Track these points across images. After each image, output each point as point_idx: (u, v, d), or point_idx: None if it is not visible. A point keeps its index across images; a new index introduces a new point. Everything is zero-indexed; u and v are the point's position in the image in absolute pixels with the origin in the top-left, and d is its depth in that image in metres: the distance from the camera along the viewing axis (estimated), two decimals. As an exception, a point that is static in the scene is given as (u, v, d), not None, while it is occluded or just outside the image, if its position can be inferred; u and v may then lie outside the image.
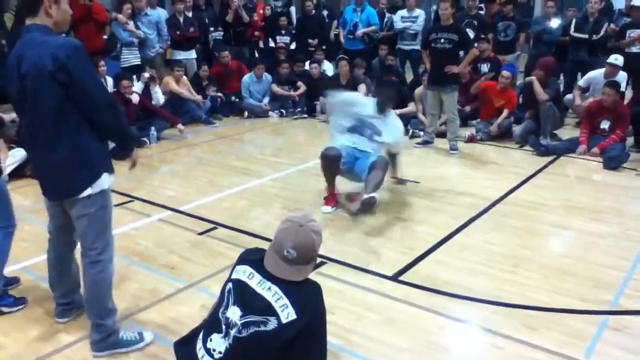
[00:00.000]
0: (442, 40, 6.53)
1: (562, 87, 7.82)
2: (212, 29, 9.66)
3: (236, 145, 7.25)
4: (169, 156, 6.69)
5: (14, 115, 5.17)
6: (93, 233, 2.75)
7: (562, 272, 3.77)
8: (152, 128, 7.10)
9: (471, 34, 8.35)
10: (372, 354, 2.88)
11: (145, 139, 6.98)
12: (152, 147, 6.98)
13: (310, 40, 10.06)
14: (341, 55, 8.93)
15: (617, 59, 7.11)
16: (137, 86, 7.39)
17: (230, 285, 2.35)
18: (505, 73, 7.41)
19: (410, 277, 3.69)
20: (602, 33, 8.03)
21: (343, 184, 5.01)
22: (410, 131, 7.43)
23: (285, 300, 2.22)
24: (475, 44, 7.49)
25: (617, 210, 4.92)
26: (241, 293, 2.28)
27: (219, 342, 2.28)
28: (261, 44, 10.30)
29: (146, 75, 7.60)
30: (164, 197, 5.19)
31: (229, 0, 9.54)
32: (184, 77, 8.25)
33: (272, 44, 10.14)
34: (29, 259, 3.79)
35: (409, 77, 9.32)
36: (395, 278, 3.68)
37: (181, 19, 8.79)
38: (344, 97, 5.32)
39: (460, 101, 7.22)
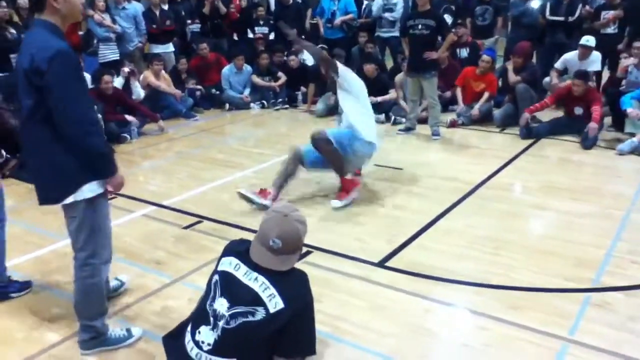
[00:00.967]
0: (419, 27, 6.54)
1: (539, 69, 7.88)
2: (189, 21, 9.57)
3: (218, 138, 7.22)
4: (151, 151, 6.64)
5: None
6: (82, 236, 2.70)
7: (545, 253, 3.82)
8: (132, 123, 7.04)
9: (449, 19, 8.40)
10: (360, 340, 2.91)
11: (126, 134, 6.92)
12: (134, 143, 6.92)
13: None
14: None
15: (588, 40, 7.19)
16: (117, 81, 7.31)
17: (216, 277, 2.35)
18: (485, 57, 7.47)
19: (395, 263, 3.72)
20: (577, 14, 8.10)
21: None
22: (392, 118, 7.46)
23: (273, 290, 2.23)
24: (453, 29, 7.51)
25: (597, 189, 5.00)
26: (228, 285, 2.29)
27: (207, 334, 2.28)
28: (235, 37, 10.20)
29: (126, 69, 7.52)
30: (147, 192, 5.16)
31: (205, -8, 9.46)
32: (163, 72, 8.17)
33: (250, 35, 10.07)
34: (11, 259, 3.73)
35: (389, 64, 9.33)
36: (381, 264, 3.70)
37: (157, 12, 8.71)
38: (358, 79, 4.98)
39: (440, 87, 7.26)
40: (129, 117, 7.04)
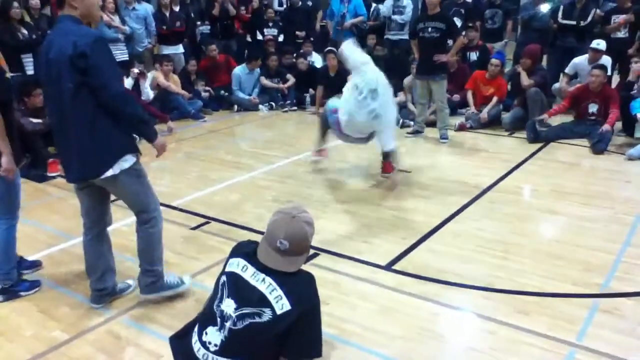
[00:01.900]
0: (429, 30, 6.53)
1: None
2: (199, 22, 9.61)
3: (226, 139, 7.23)
4: (160, 152, 6.64)
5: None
6: (137, 200, 3.09)
7: (553, 257, 3.80)
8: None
9: (459, 22, 8.37)
10: (367, 343, 2.90)
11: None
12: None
13: (297, 33, 10.02)
14: (329, 48, 8.92)
15: (599, 43, 7.16)
16: (127, 82, 7.35)
17: (224, 278, 2.36)
18: (494, 61, 7.45)
19: (403, 266, 3.71)
20: (589, 19, 8.06)
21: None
22: (401, 121, 7.44)
23: (280, 292, 2.23)
24: (463, 32, 7.50)
25: (606, 194, 4.97)
26: (235, 285, 2.29)
27: (214, 335, 2.29)
28: (248, 38, 10.25)
29: (136, 70, 7.56)
30: (155, 192, 5.15)
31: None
32: (172, 73, 8.20)
33: (259, 37, 10.10)
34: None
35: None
36: (388, 267, 3.70)
37: (167, 14, 8.74)
38: None
39: (449, 90, 7.24)
40: None
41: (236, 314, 2.24)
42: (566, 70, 7.61)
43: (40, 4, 7.62)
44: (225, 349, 2.26)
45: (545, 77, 7.33)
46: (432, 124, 7.06)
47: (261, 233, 2.35)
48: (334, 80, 7.72)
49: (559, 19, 8.23)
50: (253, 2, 10.18)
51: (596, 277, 3.53)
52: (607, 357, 2.77)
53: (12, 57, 6.63)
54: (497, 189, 5.12)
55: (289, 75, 8.89)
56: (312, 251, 3.61)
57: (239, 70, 8.74)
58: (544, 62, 8.31)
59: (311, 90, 8.80)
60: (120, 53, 8.22)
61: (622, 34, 7.90)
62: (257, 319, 2.21)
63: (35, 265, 3.73)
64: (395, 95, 7.69)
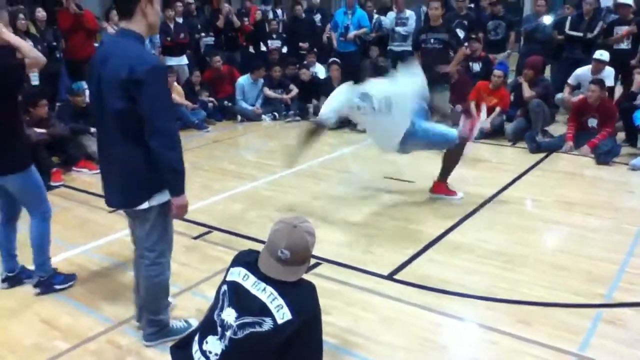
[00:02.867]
0: (432, 41, 6.57)
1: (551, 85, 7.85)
2: (203, 34, 9.68)
3: (229, 150, 7.25)
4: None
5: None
6: (153, 238, 2.83)
7: (556, 267, 3.79)
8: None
9: (461, 34, 8.38)
10: (369, 353, 2.89)
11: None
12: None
13: (301, 44, 10.08)
14: (333, 59, 8.96)
15: (602, 54, 7.17)
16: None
17: (225, 287, 2.35)
18: (497, 72, 7.47)
19: (405, 276, 3.70)
20: (596, 31, 8.08)
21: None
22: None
23: (280, 301, 2.22)
24: (466, 44, 7.52)
25: (609, 204, 4.95)
26: (236, 295, 2.29)
27: (214, 344, 2.28)
28: (252, 49, 10.31)
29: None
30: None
31: (220, 6, 9.57)
32: (176, 84, 8.24)
33: (263, 48, 10.16)
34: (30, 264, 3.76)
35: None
36: (390, 277, 3.69)
37: (172, 25, 8.81)
38: None
39: (451, 100, 7.25)
40: None
41: (237, 323, 2.24)
42: (569, 81, 7.61)
43: (46, 16, 7.68)
44: (225, 358, 2.25)
45: (547, 88, 7.33)
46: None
47: (263, 243, 2.35)
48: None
49: (567, 30, 8.25)
50: (256, 14, 10.26)
51: (599, 288, 3.51)
52: (610, 368, 2.76)
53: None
54: (499, 199, 5.11)
55: (292, 86, 8.92)
56: (314, 261, 3.62)
57: (243, 80, 8.78)
58: (547, 73, 8.32)
59: (314, 101, 8.83)
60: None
61: (625, 45, 7.91)
62: (258, 328, 2.21)
63: (70, 279, 3.63)
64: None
